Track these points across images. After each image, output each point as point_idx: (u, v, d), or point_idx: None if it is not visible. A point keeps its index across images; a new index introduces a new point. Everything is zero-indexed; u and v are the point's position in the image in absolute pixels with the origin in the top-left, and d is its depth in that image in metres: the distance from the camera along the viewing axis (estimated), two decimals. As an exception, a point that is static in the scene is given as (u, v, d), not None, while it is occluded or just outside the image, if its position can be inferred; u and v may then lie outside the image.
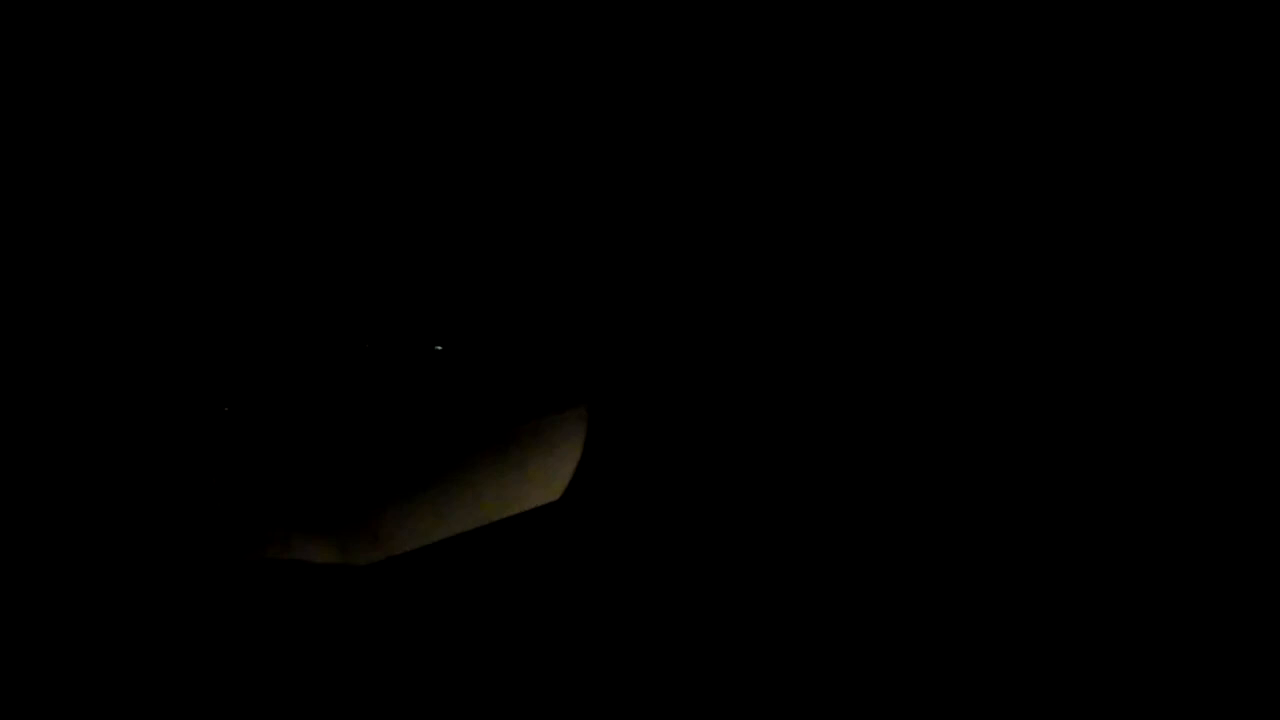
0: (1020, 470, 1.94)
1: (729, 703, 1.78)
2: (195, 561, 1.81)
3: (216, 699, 1.73)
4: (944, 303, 2.02)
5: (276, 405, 1.91)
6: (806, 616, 1.87)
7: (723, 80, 2.03)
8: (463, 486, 1.95)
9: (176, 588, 1.79)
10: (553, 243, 2.04)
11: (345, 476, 1.89)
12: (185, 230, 1.93)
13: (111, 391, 1.86)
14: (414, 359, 1.96)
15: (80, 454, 1.82)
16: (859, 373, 2.02)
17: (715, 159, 2.05)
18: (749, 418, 2.02)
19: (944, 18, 1.98)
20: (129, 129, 1.91)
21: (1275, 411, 1.90)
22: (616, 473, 1.99)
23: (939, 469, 1.97)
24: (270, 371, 1.93)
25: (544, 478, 1.98)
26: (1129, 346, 1.97)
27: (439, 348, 1.97)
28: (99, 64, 1.88)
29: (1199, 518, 1.88)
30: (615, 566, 1.92)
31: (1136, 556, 1.86)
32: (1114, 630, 1.79)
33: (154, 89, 1.91)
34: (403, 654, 1.81)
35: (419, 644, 1.82)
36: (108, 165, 1.90)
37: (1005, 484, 1.94)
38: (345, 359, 1.95)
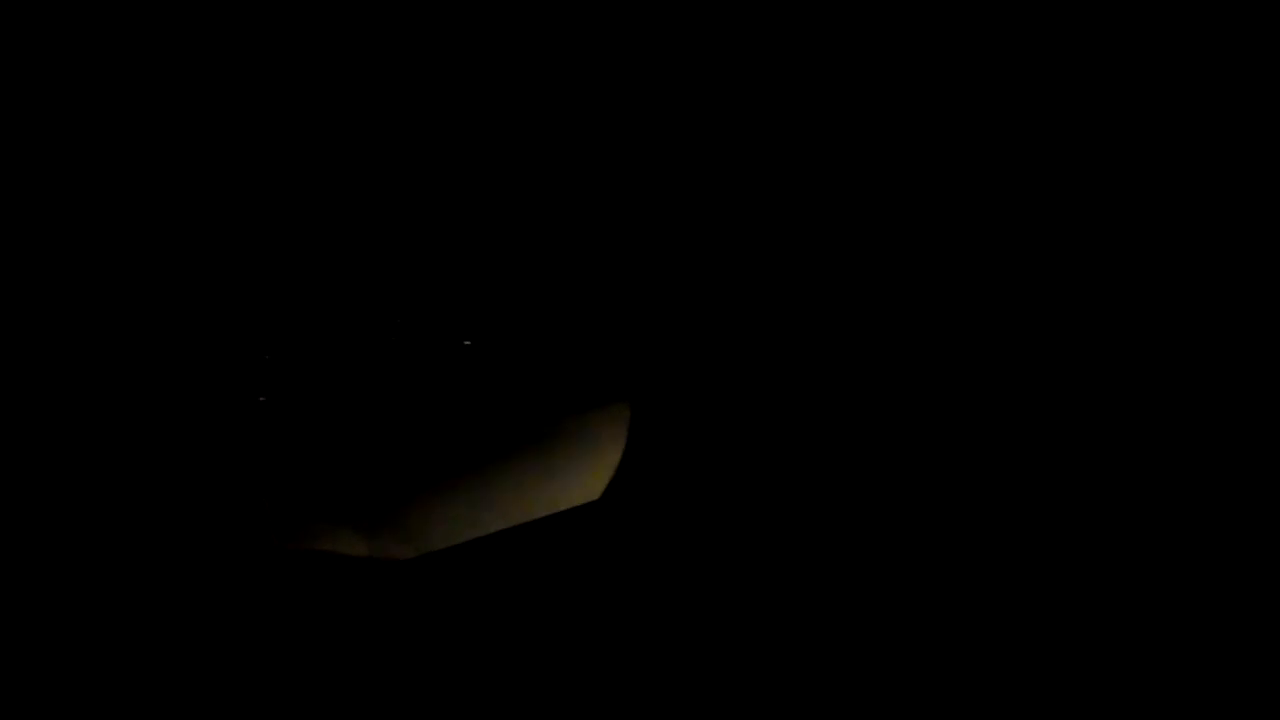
0: (1055, 475, 1.89)
1: (771, 709, 1.73)
2: (221, 550, 1.78)
3: (238, 690, 1.71)
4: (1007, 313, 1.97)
5: (310, 395, 1.89)
6: (857, 626, 1.81)
7: (763, 69, 1.99)
8: (497, 484, 1.91)
9: (201, 576, 1.77)
10: (591, 233, 2.00)
11: (375, 469, 1.87)
12: (222, 223, 1.93)
13: (145, 380, 1.85)
14: (442, 353, 1.93)
15: (110, 441, 1.81)
16: (910, 367, 1.95)
17: (762, 147, 2.00)
18: (800, 416, 1.94)
19: (944, 18, 1.95)
20: (169, 121, 1.91)
21: (1276, 411, 1.87)
22: (660, 472, 1.92)
23: (995, 473, 1.90)
24: (305, 362, 1.91)
25: (583, 476, 1.93)
26: (1129, 347, 1.92)
27: (467, 343, 1.93)
28: (135, 65, 1.88)
29: (1199, 518, 1.84)
30: (657, 570, 1.85)
31: (1137, 557, 1.83)
32: (1114, 630, 1.78)
33: (194, 83, 1.91)
34: (431, 654, 1.77)
35: (448, 645, 1.78)
36: (148, 158, 1.91)
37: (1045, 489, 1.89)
38: (381, 351, 1.93)
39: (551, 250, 2.00)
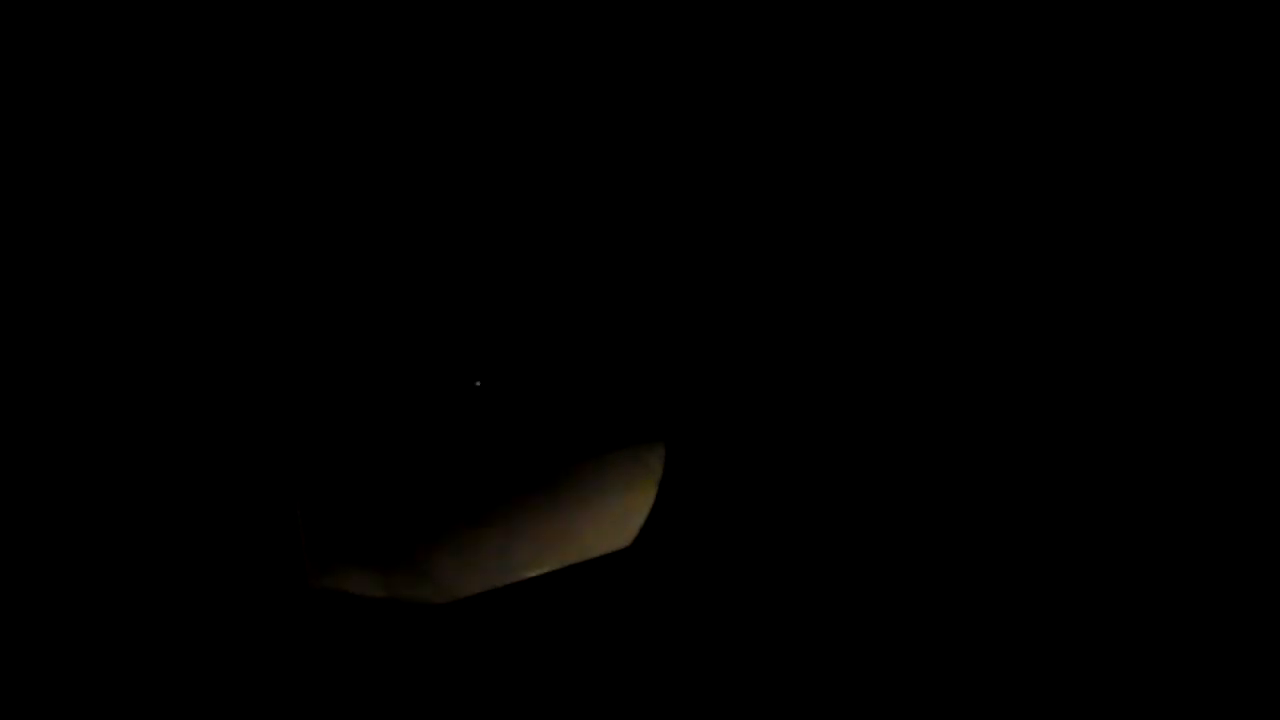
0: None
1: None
2: (250, 593, 1.73)
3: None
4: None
5: (338, 438, 1.85)
6: (899, 682, 1.76)
7: (792, 103, 1.96)
8: (525, 530, 1.85)
9: (227, 617, 1.72)
10: (621, 267, 1.96)
11: (401, 514, 1.82)
12: (237, 262, 1.89)
13: (159, 413, 1.80)
14: (466, 395, 1.89)
15: (124, 474, 1.76)
16: (950, 400, 1.92)
17: (797, 174, 1.97)
18: (843, 460, 1.90)
19: (944, 18, 1.93)
20: (198, 133, 1.87)
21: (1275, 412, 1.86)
22: (696, 517, 1.87)
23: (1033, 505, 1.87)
24: (336, 407, 1.87)
25: (614, 521, 1.87)
26: (1130, 347, 1.90)
27: (478, 384, 1.89)
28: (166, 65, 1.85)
29: (1199, 518, 1.83)
30: (691, 621, 1.80)
31: (1137, 557, 1.82)
32: (1114, 630, 1.78)
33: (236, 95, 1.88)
34: (456, 703, 1.72)
35: (474, 693, 1.73)
36: (170, 173, 1.86)
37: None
38: (407, 395, 1.89)
39: (581, 286, 1.96)
